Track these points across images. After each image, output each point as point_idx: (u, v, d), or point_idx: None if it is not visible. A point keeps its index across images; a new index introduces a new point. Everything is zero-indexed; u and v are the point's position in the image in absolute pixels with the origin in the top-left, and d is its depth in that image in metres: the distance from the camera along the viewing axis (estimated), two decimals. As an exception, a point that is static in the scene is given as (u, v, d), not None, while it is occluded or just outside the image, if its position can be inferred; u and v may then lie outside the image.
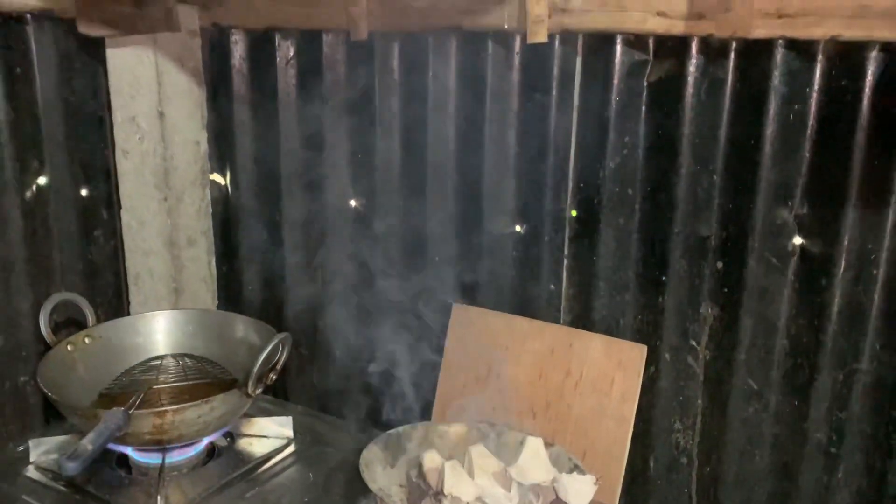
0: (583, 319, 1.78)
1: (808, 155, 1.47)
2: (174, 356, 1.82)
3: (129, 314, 2.09)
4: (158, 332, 1.87)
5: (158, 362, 1.80)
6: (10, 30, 1.82)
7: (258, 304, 2.18)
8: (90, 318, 1.84)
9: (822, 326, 1.52)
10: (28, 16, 1.84)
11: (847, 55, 1.40)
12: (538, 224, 1.79)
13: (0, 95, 1.82)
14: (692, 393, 1.69)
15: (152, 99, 1.97)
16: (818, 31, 1.37)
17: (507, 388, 1.79)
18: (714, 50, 1.50)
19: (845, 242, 1.47)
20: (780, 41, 1.43)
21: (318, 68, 1.94)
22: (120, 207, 2.06)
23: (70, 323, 1.94)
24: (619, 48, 1.59)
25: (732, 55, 1.49)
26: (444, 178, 1.87)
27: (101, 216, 2.09)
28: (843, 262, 1.48)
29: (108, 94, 1.98)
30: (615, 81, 1.61)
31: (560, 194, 1.75)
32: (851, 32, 1.35)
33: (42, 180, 1.94)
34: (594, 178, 1.69)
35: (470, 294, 1.90)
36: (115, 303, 2.14)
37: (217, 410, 1.52)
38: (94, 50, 1.95)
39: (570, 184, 1.74)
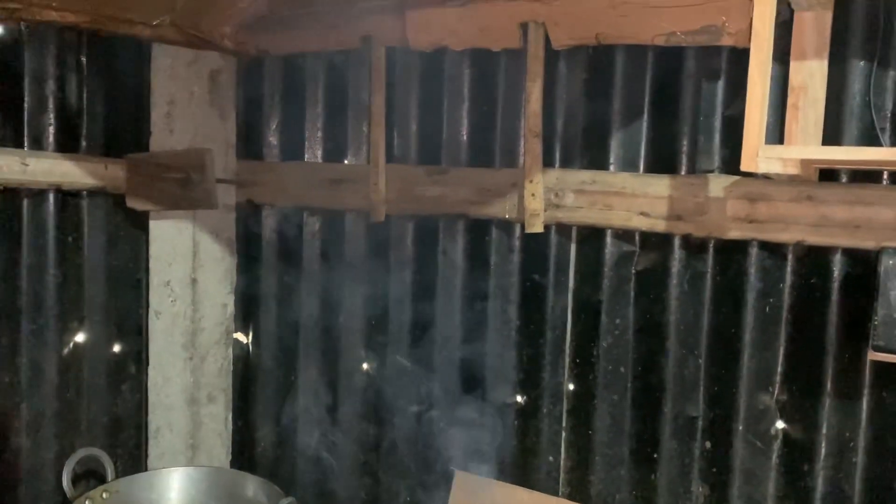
0: (580, 492, 1.84)
1: (784, 345, 1.58)
2: (185, 515, 1.89)
3: (146, 467, 2.18)
4: (173, 489, 1.96)
5: (170, 521, 1.87)
6: (67, 204, 2.04)
7: (270, 461, 2.26)
8: (109, 473, 1.93)
9: (807, 512, 1.57)
10: (84, 192, 2.07)
11: (814, 257, 1.53)
12: (538, 396, 1.88)
13: (52, 262, 2.02)
14: (686, 573, 1.71)
15: (187, 266, 2.16)
16: (785, 236, 1.52)
17: (505, 559, 1.83)
18: (694, 246, 1.65)
19: (824, 430, 1.54)
20: (754, 242, 1.58)
21: (339, 243, 2.13)
22: (148, 364, 2.20)
23: (89, 475, 2.04)
24: (608, 240, 1.75)
25: (711, 251, 1.64)
26: (451, 348, 1.99)
27: (129, 371, 2.23)
28: (823, 449, 1.55)
29: (147, 260, 2.18)
30: (606, 269, 1.76)
31: (558, 369, 1.86)
32: (815, 239, 1.49)
33: (80, 338, 2.10)
34: (589, 356, 1.81)
35: (473, 461, 1.97)
36: (134, 454, 2.24)
37: (221, 574, 1.57)
38: (139, 221, 2.16)
39: (567, 359, 1.85)
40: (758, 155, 1.27)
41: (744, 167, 1.30)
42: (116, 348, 2.20)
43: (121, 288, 2.19)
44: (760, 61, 1.24)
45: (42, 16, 1.83)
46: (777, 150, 1.28)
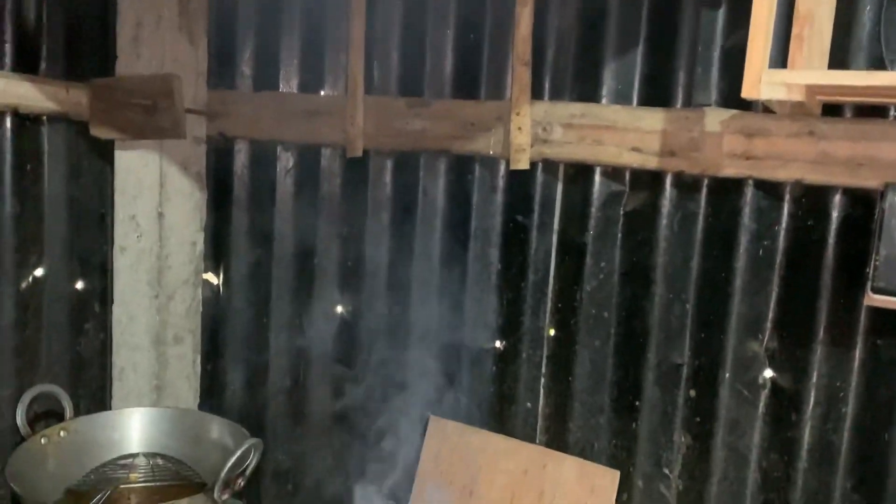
0: (558, 440, 1.77)
1: (776, 290, 1.51)
2: (146, 455, 1.81)
3: (110, 409, 2.09)
4: (134, 428, 1.88)
5: (130, 460, 1.79)
6: (26, 130, 1.92)
7: (239, 405, 2.18)
8: (68, 411, 1.85)
9: (792, 463, 1.51)
10: (44, 117, 1.95)
11: (812, 197, 1.46)
12: (517, 341, 1.81)
13: (9, 191, 1.90)
14: (665, 523, 1.66)
15: (154, 200, 2.05)
16: (783, 174, 1.44)
17: (479, 507, 1.77)
18: (686, 185, 1.57)
19: (814, 379, 1.48)
20: (750, 181, 1.50)
21: (314, 180, 2.02)
22: (112, 302, 2.10)
23: (50, 414, 1.95)
24: (597, 178, 1.66)
25: (704, 191, 1.55)
26: (429, 291, 1.91)
27: (93, 309, 2.13)
28: (812, 399, 1.49)
29: (112, 192, 2.07)
30: (593, 209, 1.67)
31: (539, 313, 1.78)
32: (814, 177, 1.41)
33: (39, 272, 2.00)
34: (571, 300, 1.73)
35: (448, 407, 1.90)
36: (98, 396, 2.15)
37: (180, 515, 1.50)
38: (103, 151, 2.05)
39: (549, 303, 1.77)
40: (761, 80, 1.18)
41: (745, 94, 1.21)
42: (79, 285, 2.10)
43: (83, 221, 2.08)
44: (768, -21, 1.14)
45: (-6, -82, 1.68)
46: (781, 74, 1.19)
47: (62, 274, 2.05)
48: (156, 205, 2.05)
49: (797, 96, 1.19)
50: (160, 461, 1.80)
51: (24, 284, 1.97)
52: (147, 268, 2.08)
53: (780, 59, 1.43)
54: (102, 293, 2.13)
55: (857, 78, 1.16)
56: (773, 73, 1.19)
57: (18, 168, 1.92)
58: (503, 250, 1.81)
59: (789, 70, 1.22)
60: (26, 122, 1.92)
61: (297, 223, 2.07)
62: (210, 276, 2.22)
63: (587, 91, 1.65)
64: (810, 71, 1.22)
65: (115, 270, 2.09)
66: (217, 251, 2.20)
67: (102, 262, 2.12)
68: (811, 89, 1.23)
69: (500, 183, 1.79)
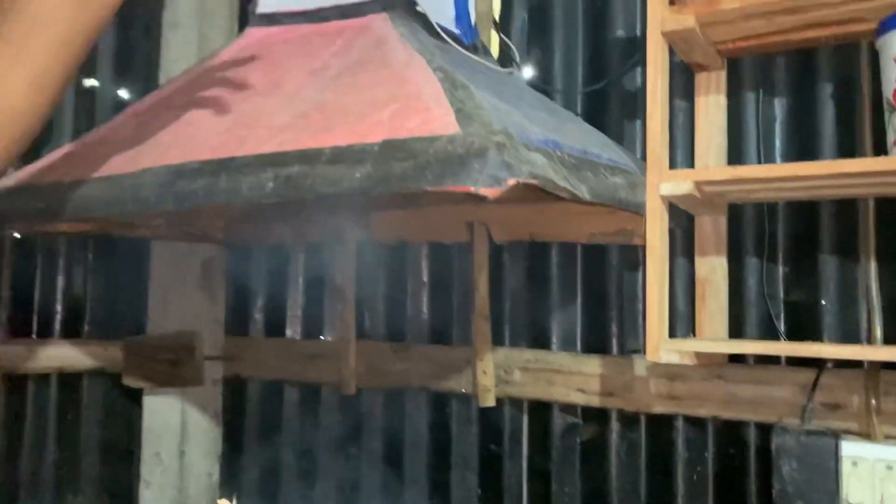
0: None
1: (713, 512, 1.72)
2: None
3: None
4: None
5: None
6: (69, 385, 2.25)
7: None
8: None
9: None
10: (84, 373, 2.28)
11: (731, 430, 1.70)
12: (500, 560, 2.00)
13: (52, 440, 2.20)
14: None
15: (176, 438, 2.33)
16: (702, 411, 1.70)
17: None
18: (628, 419, 1.82)
19: None
20: (679, 416, 1.75)
21: (315, 413, 2.31)
22: (138, 534, 2.33)
23: None
24: (555, 412, 1.92)
25: (643, 424, 1.81)
26: (419, 514, 2.13)
27: (120, 541, 2.36)
28: None
29: (140, 432, 2.35)
30: (554, 440, 1.92)
31: (516, 534, 1.98)
32: (728, 414, 1.67)
33: (73, 510, 2.25)
34: (543, 522, 1.94)
35: None
36: None
37: None
38: (134, 396, 2.36)
39: (525, 525, 1.97)
40: (660, 349, 1.47)
41: (649, 357, 1.50)
42: (107, 518, 2.34)
43: (114, 459, 2.36)
44: (656, 271, 1.46)
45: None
46: (676, 343, 1.48)
47: (93, 509, 2.31)
48: (178, 443, 2.33)
49: (688, 360, 1.47)
50: None
51: (59, 522, 2.22)
52: (169, 500, 2.32)
53: (690, 312, 1.74)
54: (128, 525, 2.37)
55: (732, 347, 1.45)
56: (669, 342, 1.47)
57: (60, 418, 2.24)
58: (481, 477, 2.04)
59: (682, 340, 1.52)
60: (70, 379, 2.26)
61: (302, 451, 2.33)
62: (224, 502, 2.45)
63: (540, 339, 1.95)
64: (699, 342, 1.51)
65: (140, 503, 2.34)
66: (231, 479, 2.44)
67: (129, 495, 2.37)
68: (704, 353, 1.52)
69: (474, 416, 2.05)
